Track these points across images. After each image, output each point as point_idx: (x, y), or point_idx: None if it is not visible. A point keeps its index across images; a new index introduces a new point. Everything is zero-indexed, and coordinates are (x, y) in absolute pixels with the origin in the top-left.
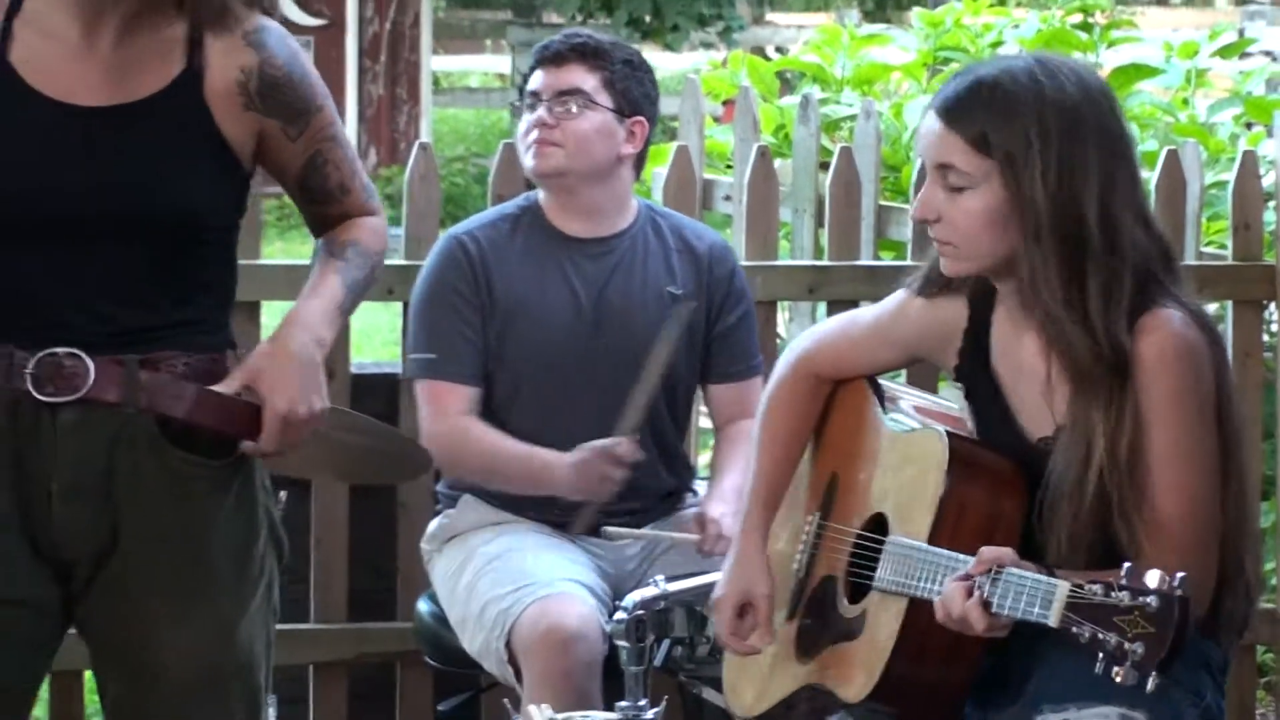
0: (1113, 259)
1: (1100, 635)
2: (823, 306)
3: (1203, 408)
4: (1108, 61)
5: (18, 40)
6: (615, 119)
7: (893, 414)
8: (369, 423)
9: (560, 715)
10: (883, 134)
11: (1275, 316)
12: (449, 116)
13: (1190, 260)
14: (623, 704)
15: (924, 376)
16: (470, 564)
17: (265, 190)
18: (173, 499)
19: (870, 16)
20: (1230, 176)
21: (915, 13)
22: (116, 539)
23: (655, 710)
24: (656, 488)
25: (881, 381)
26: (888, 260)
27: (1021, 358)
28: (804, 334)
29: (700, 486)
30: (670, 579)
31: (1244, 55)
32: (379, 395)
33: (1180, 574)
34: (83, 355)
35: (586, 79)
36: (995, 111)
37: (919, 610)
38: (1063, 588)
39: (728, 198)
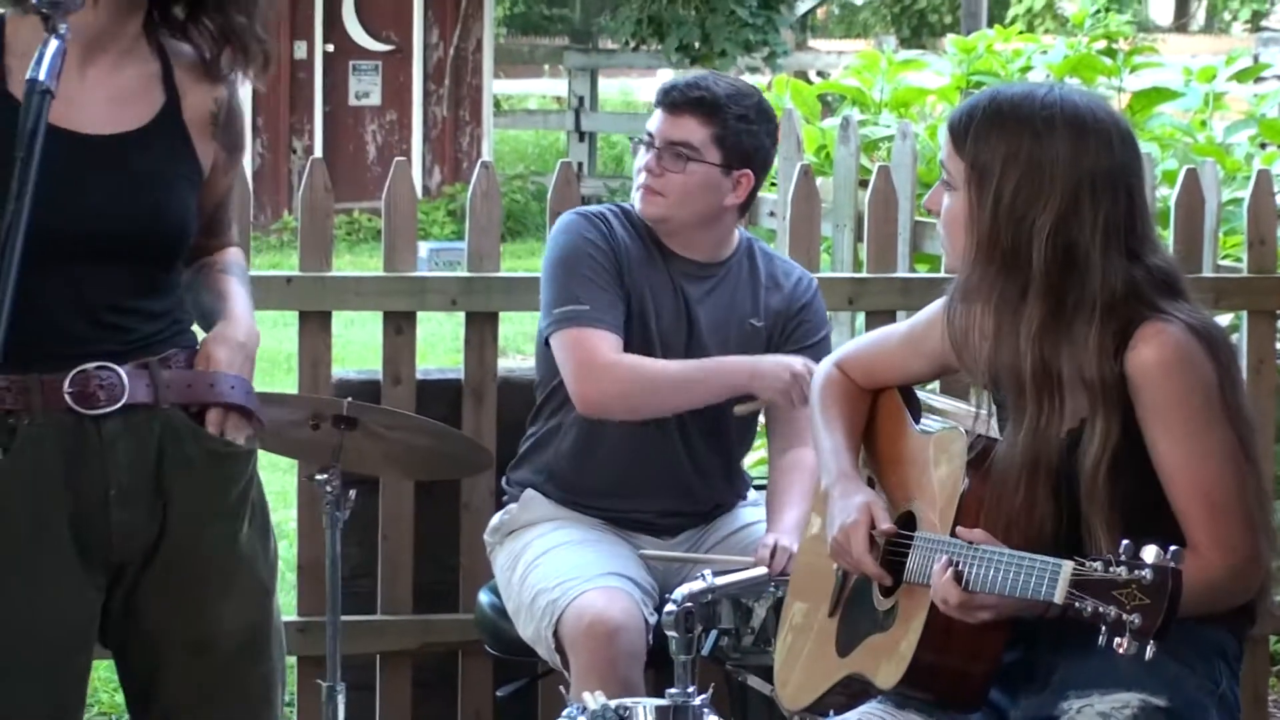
0: (1068, 290)
1: (1101, 609)
2: (861, 316)
3: (1207, 408)
4: (1130, 85)
5: (14, 73)
6: (721, 173)
7: (923, 421)
8: (433, 425)
9: (613, 701)
10: (918, 153)
11: None
12: (509, 137)
13: (1208, 273)
14: (672, 691)
15: (959, 388)
16: (525, 556)
17: (337, 206)
18: (212, 481)
19: (907, 43)
20: (1246, 194)
21: (949, 39)
22: (164, 529)
23: (703, 697)
24: (714, 497)
25: (916, 391)
26: (923, 273)
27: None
28: (840, 348)
29: (752, 495)
30: (717, 573)
31: (1259, 79)
32: (443, 400)
33: (1174, 548)
34: (114, 367)
35: (697, 132)
36: (983, 126)
37: None
38: (1067, 566)
39: (772, 214)
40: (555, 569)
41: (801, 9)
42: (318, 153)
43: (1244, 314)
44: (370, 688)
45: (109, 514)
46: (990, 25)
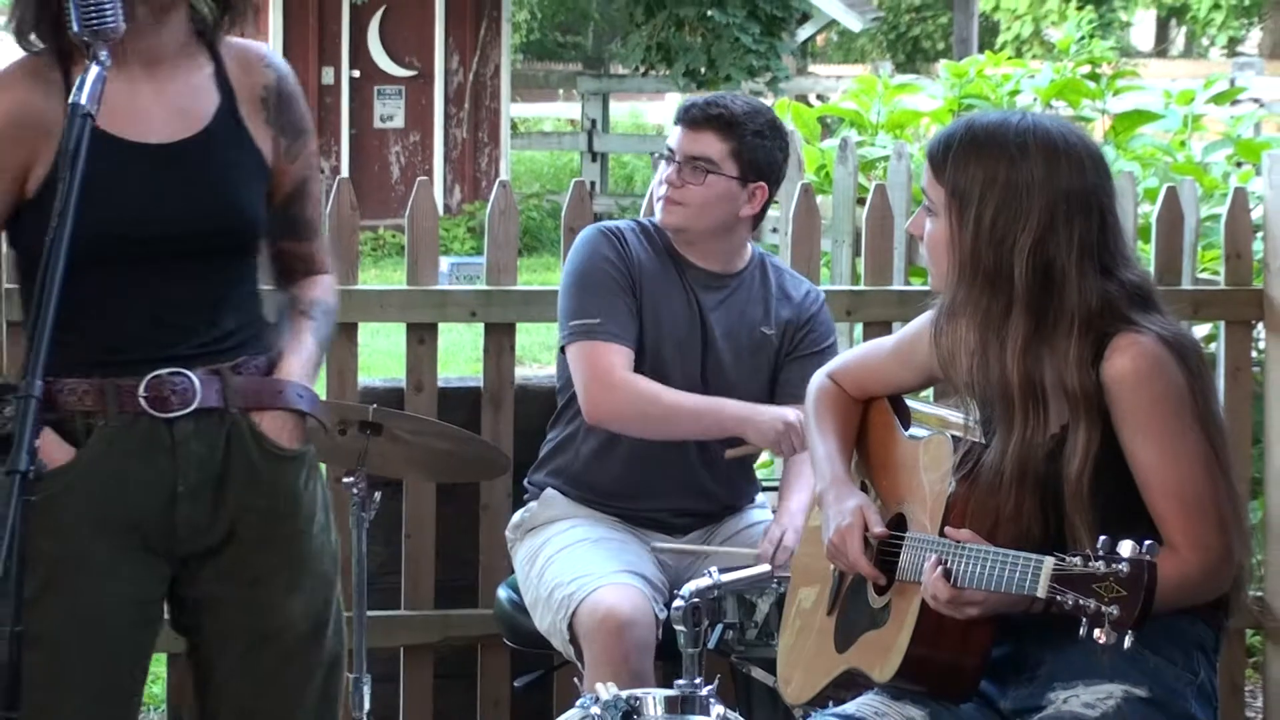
0: (1049, 306)
1: (1081, 601)
2: (859, 327)
3: (1179, 414)
4: (1114, 108)
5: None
6: (738, 185)
7: (912, 428)
8: (454, 430)
9: (624, 692)
10: (913, 173)
11: (1263, 335)
12: (525, 158)
13: (1187, 285)
14: (680, 682)
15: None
16: (544, 551)
17: (363, 223)
18: (274, 482)
19: (902, 68)
20: (1223, 210)
21: (942, 64)
22: (231, 528)
23: (709, 687)
24: (726, 499)
25: (906, 400)
26: (917, 285)
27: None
28: (832, 359)
29: (760, 498)
30: (722, 570)
31: (1235, 102)
32: (463, 406)
33: (1149, 542)
34: (186, 372)
35: (716, 147)
36: (962, 153)
37: None
38: (1048, 561)
39: (775, 229)
40: (572, 565)
41: (802, 36)
42: (344, 173)
43: (1221, 324)
44: (394, 679)
45: (175, 509)
46: (981, 51)
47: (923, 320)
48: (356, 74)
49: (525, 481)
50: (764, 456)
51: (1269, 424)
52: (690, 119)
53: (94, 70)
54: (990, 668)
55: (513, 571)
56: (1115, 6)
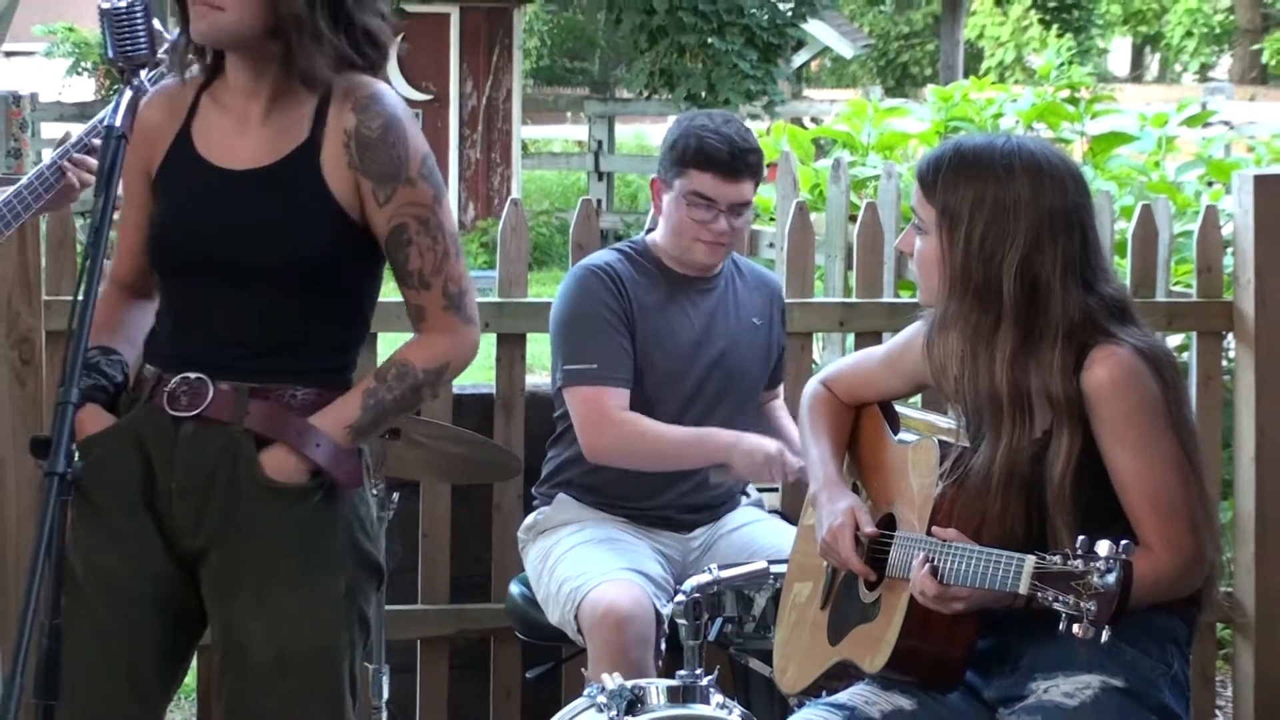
0: (1035, 318)
1: (1061, 598)
2: (851, 337)
3: (1153, 421)
4: (1092, 130)
5: (201, 112)
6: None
7: (901, 433)
8: (468, 435)
9: (629, 682)
10: (902, 191)
11: (1232, 346)
12: (535, 177)
13: (1161, 298)
14: (682, 672)
15: (937, 401)
16: (555, 551)
17: None
18: (258, 507)
19: (891, 92)
20: (1195, 227)
21: (929, 89)
22: (212, 539)
23: (709, 677)
24: (731, 487)
25: (896, 406)
26: (906, 297)
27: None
28: (826, 367)
29: (752, 494)
30: (722, 567)
31: (1206, 125)
32: (476, 412)
33: (1125, 542)
34: (207, 379)
35: (750, 189)
36: (951, 175)
37: None
38: (1030, 560)
39: (771, 245)
40: (578, 563)
41: (797, 62)
42: None
43: (1193, 335)
44: (411, 670)
45: (170, 505)
46: (966, 76)
47: (911, 331)
48: None
49: (533, 490)
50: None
51: (1238, 429)
52: (731, 169)
53: (127, 95)
54: (975, 659)
55: (524, 568)
56: (1093, 34)
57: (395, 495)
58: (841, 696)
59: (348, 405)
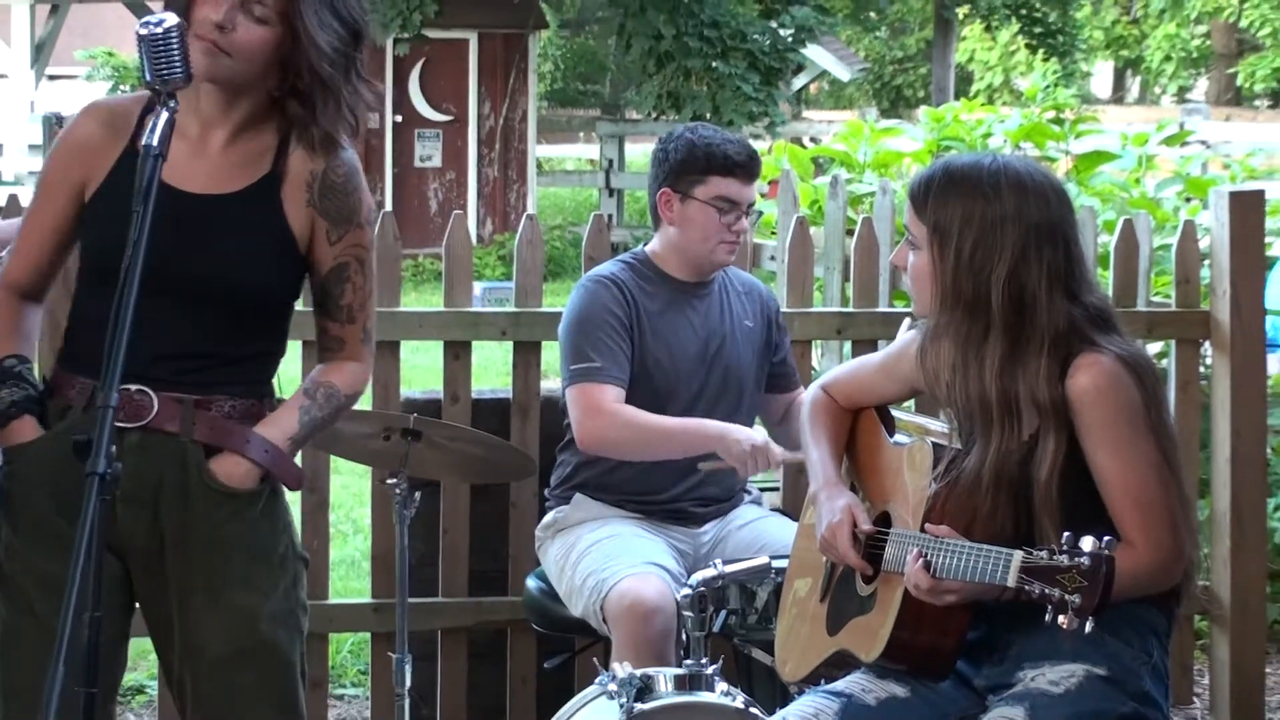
0: (1023, 327)
1: (1047, 590)
2: (848, 344)
3: (1134, 425)
4: (1076, 149)
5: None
6: None
7: (896, 435)
8: (486, 437)
9: (638, 671)
10: (896, 207)
11: (1209, 353)
12: (550, 193)
13: (1141, 307)
14: (688, 662)
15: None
16: (578, 546)
17: (404, 252)
18: (209, 512)
19: (886, 113)
20: (1174, 241)
21: (922, 110)
22: (163, 543)
23: (714, 667)
24: (733, 483)
25: (892, 410)
26: (900, 307)
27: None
28: (825, 373)
29: (754, 491)
30: (726, 562)
31: (1184, 144)
32: (495, 415)
33: (1108, 538)
34: (149, 391)
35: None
36: (940, 193)
37: None
38: (1017, 555)
39: (772, 258)
40: (602, 557)
41: (797, 85)
42: (388, 207)
43: (1172, 342)
44: (432, 659)
45: (114, 511)
46: (957, 98)
47: (906, 338)
48: (399, 119)
49: (546, 493)
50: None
51: (1215, 432)
52: (750, 173)
53: (164, 116)
54: (966, 649)
55: (539, 564)
56: (1077, 59)
57: (417, 494)
58: (839, 684)
59: (287, 418)
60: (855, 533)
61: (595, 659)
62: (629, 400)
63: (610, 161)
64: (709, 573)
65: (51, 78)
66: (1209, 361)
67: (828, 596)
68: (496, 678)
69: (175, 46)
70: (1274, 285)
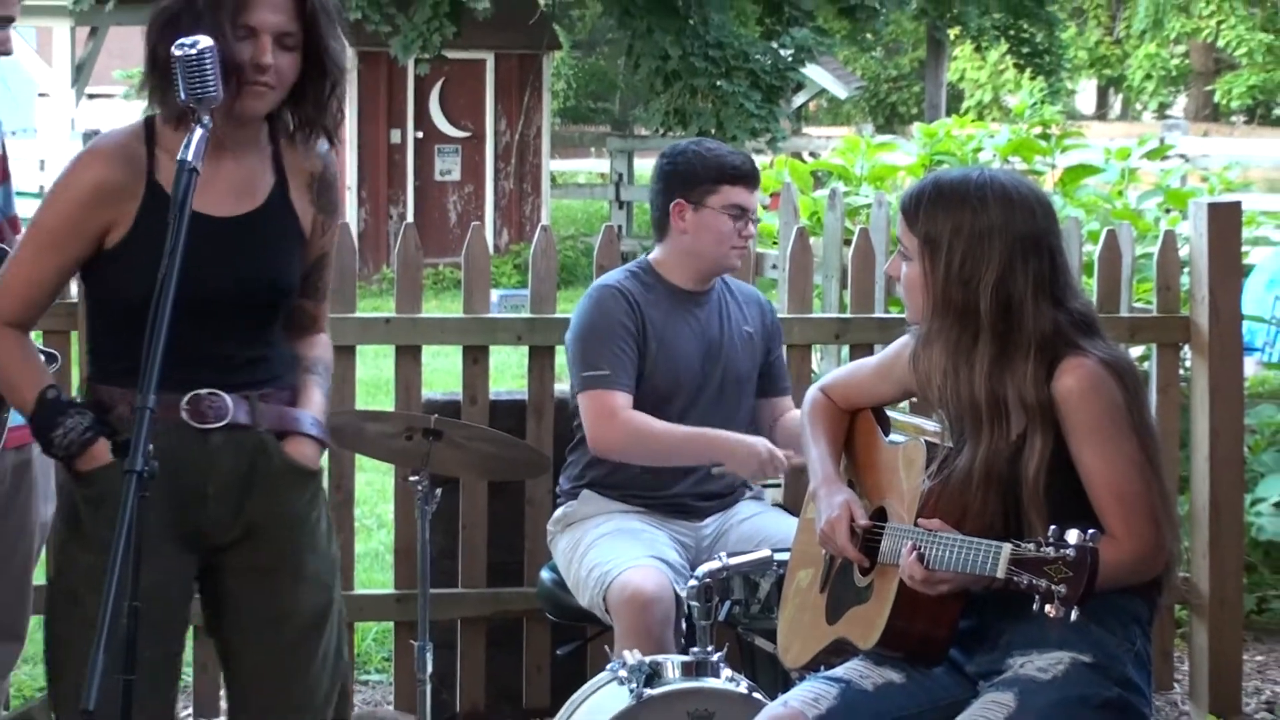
0: (1010, 333)
1: (1034, 581)
2: (846, 349)
3: (1117, 425)
4: (1061, 163)
5: (160, 163)
6: None
7: (892, 435)
8: (503, 436)
9: (648, 658)
10: (891, 218)
11: (1189, 356)
12: (563, 205)
13: (1124, 313)
14: (695, 649)
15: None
16: (584, 540)
17: (425, 261)
18: (292, 491)
19: (881, 129)
20: (1155, 250)
21: (916, 126)
22: (249, 528)
23: (719, 654)
24: (734, 480)
25: (887, 411)
26: (895, 313)
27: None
28: (824, 376)
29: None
30: (730, 555)
31: (1165, 158)
32: (511, 416)
33: (1092, 531)
34: (220, 393)
35: None
36: (930, 206)
37: None
38: (1006, 547)
39: (774, 266)
40: (606, 551)
41: (797, 102)
42: (410, 218)
43: (1154, 346)
44: (452, 646)
45: (205, 507)
46: (948, 115)
47: (900, 343)
48: (420, 135)
49: (557, 490)
50: None
51: (1194, 431)
52: (756, 182)
53: (198, 132)
54: (958, 638)
55: (553, 557)
56: (1062, 77)
57: (438, 491)
58: (838, 671)
59: (314, 397)
60: (853, 527)
61: (606, 646)
62: (634, 404)
63: (620, 175)
64: (714, 565)
65: (91, 96)
66: (1189, 364)
67: (827, 587)
68: (513, 664)
69: (209, 67)
70: (1250, 292)
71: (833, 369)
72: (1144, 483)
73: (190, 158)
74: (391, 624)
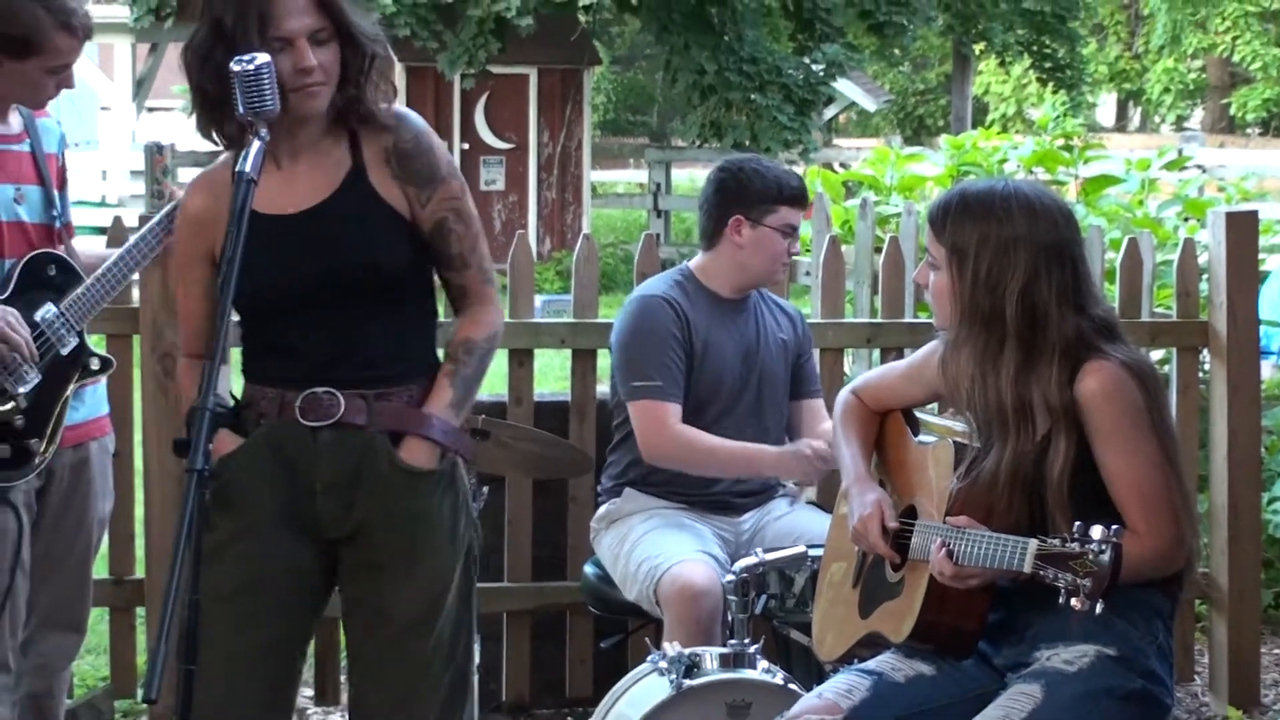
0: (1035, 339)
1: (1060, 575)
2: (877, 352)
3: (1138, 426)
4: (1084, 173)
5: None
6: None
7: (921, 435)
8: (547, 436)
9: (687, 650)
10: (920, 227)
11: (1207, 360)
12: (603, 214)
13: (1145, 318)
14: (732, 642)
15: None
16: (631, 536)
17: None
18: (402, 492)
19: (910, 141)
20: (1175, 257)
21: (943, 138)
22: (360, 524)
23: (755, 646)
24: (769, 478)
25: (916, 412)
26: (924, 318)
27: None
28: (855, 379)
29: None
30: (766, 550)
31: (1183, 169)
32: (555, 416)
33: (1115, 526)
34: (335, 392)
35: None
36: (957, 217)
37: None
38: (1033, 543)
39: (807, 273)
40: (654, 545)
41: (828, 115)
42: None
43: (1174, 350)
44: (498, 639)
45: (315, 501)
46: (974, 127)
47: (929, 348)
48: (466, 146)
49: (599, 489)
50: None
51: (1213, 432)
52: (806, 201)
53: (255, 145)
54: (987, 631)
55: (595, 552)
56: (1084, 91)
57: (485, 489)
58: (871, 663)
59: (440, 389)
60: (884, 524)
61: (647, 639)
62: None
63: (658, 185)
64: (750, 560)
65: (151, 110)
66: (1207, 367)
67: (860, 582)
68: (557, 656)
69: (266, 81)
70: (1267, 297)
71: (864, 372)
72: (1164, 481)
73: (248, 169)
74: None
